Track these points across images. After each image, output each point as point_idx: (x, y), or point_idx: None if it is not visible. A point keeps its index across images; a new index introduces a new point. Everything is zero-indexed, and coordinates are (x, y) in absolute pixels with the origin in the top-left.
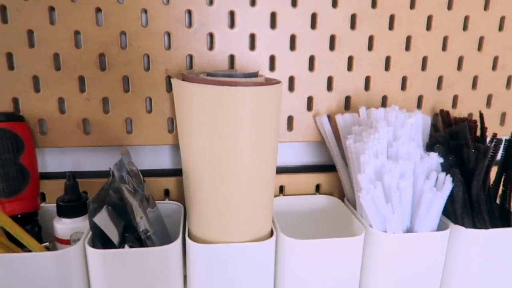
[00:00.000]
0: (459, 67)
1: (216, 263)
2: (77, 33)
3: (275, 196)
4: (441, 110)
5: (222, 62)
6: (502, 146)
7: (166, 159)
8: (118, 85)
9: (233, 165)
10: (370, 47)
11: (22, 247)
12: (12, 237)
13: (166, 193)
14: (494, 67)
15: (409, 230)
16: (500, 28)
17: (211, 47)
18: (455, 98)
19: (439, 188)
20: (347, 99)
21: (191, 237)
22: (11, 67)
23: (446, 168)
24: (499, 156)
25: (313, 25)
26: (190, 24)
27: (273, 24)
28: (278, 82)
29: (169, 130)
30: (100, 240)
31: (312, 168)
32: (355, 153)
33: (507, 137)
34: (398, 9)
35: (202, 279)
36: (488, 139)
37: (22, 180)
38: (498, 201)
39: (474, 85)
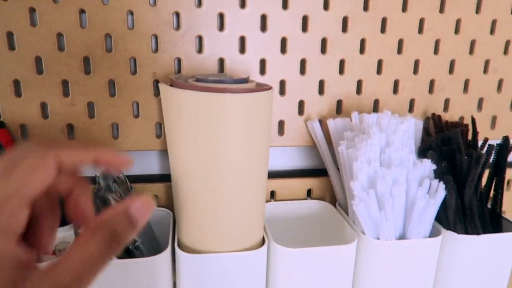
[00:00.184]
0: (451, 70)
1: (206, 273)
2: (60, 35)
3: (266, 201)
4: (433, 114)
5: (211, 66)
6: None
7: (154, 164)
8: (103, 89)
9: (224, 172)
10: (362, 50)
11: None
12: None
13: (155, 199)
14: (485, 71)
15: (402, 237)
16: (492, 31)
17: (200, 50)
18: (447, 101)
19: (432, 195)
20: (339, 103)
21: (181, 246)
22: None
23: (439, 174)
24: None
25: (305, 28)
26: (178, 27)
27: (263, 27)
28: (269, 88)
29: (157, 135)
30: None
31: (304, 172)
32: (348, 159)
33: (498, 141)
34: (390, 12)
35: None
36: (479, 143)
37: None
38: (489, 205)
39: (465, 89)
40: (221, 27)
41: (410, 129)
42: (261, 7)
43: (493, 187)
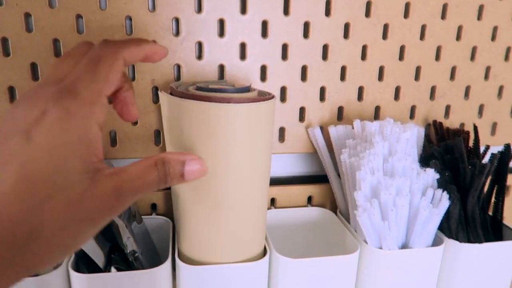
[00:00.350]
0: (452, 77)
1: (208, 284)
2: (56, 41)
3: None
4: (434, 121)
5: (211, 72)
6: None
7: None
8: None
9: (226, 182)
10: (363, 57)
11: None
12: None
13: (153, 207)
14: (486, 77)
15: (404, 246)
16: (493, 38)
17: (199, 57)
18: (448, 108)
19: (436, 204)
20: (340, 109)
21: (181, 256)
22: None
23: (442, 183)
24: None
25: (306, 34)
26: (177, 33)
27: (264, 33)
28: (272, 97)
29: (155, 143)
30: (84, 263)
31: (304, 179)
32: (350, 168)
33: (499, 148)
34: (392, 18)
35: None
36: (481, 149)
37: None
38: (490, 212)
39: (466, 95)
40: (221, 33)
41: (413, 138)
42: (262, 13)
43: (494, 194)
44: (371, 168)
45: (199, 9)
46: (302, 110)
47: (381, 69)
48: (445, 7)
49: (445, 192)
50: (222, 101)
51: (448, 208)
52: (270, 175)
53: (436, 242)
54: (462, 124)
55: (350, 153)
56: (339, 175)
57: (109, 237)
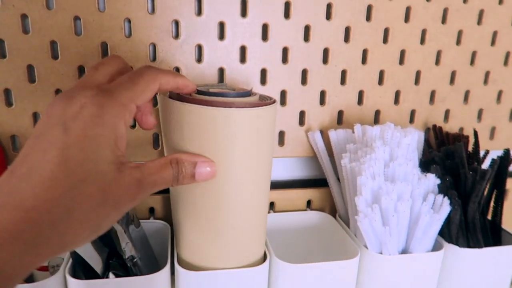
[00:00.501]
0: (452, 81)
1: None
2: (53, 43)
3: None
4: (434, 126)
5: (211, 75)
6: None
7: None
8: None
9: (226, 187)
10: (363, 61)
11: None
12: None
13: (151, 211)
14: (485, 82)
15: (404, 251)
16: (492, 42)
17: (199, 60)
18: (447, 112)
19: (436, 210)
20: (340, 113)
21: (180, 262)
22: None
23: (443, 189)
24: None
25: (306, 37)
26: (177, 35)
27: (264, 36)
28: (273, 101)
29: (154, 146)
30: (82, 269)
31: (303, 183)
32: (351, 173)
33: (498, 151)
34: (392, 22)
35: None
36: (481, 153)
37: None
38: (489, 217)
39: (465, 99)
40: (221, 36)
41: (414, 143)
42: (262, 16)
43: (493, 199)
44: (372, 173)
45: (199, 12)
46: (302, 114)
47: (381, 73)
48: (445, 11)
49: (446, 198)
50: (224, 106)
51: (449, 213)
52: (270, 180)
53: (436, 247)
54: (461, 129)
55: (351, 158)
56: (338, 179)
57: (107, 242)
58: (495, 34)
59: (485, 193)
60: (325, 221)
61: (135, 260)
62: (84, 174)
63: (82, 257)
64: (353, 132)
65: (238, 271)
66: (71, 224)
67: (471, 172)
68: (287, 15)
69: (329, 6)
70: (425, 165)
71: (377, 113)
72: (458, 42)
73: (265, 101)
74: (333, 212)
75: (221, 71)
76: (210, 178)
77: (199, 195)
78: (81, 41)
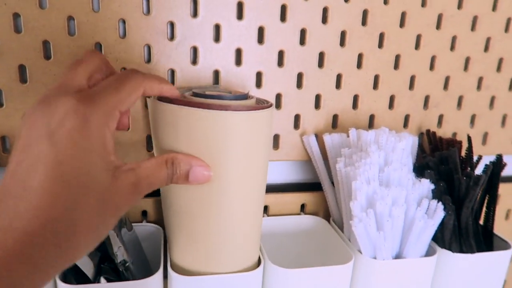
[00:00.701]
0: (445, 86)
1: None
2: (46, 43)
3: None
4: (428, 131)
5: (206, 78)
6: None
7: None
8: None
9: (220, 191)
10: (359, 65)
11: None
12: None
13: (144, 214)
14: (478, 87)
15: (398, 256)
16: (486, 49)
17: (194, 62)
18: (441, 117)
19: (431, 215)
20: (335, 117)
21: (173, 266)
22: None
23: (437, 194)
24: None
25: (302, 41)
26: (172, 37)
27: (260, 39)
28: (270, 105)
29: (148, 148)
30: (73, 273)
31: (297, 187)
32: (346, 177)
33: (490, 157)
34: (388, 27)
35: None
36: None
37: None
38: (481, 221)
39: (459, 105)
40: (217, 39)
41: (408, 147)
42: (258, 19)
43: (485, 204)
44: (367, 178)
45: (195, 14)
46: (297, 118)
47: (376, 78)
48: (440, 17)
49: (440, 203)
50: (220, 109)
51: (443, 218)
52: (266, 184)
53: (429, 252)
54: (455, 134)
55: (346, 162)
56: (333, 183)
57: (99, 246)
58: (488, 40)
59: (478, 198)
60: (319, 225)
61: (127, 264)
62: (81, 187)
63: None
64: (348, 136)
65: (232, 276)
66: (76, 239)
67: (465, 178)
68: (283, 18)
69: (325, 10)
70: (419, 170)
71: (372, 117)
72: (452, 47)
73: (262, 104)
74: (327, 216)
75: (216, 73)
76: (204, 182)
77: (193, 198)
78: (75, 41)
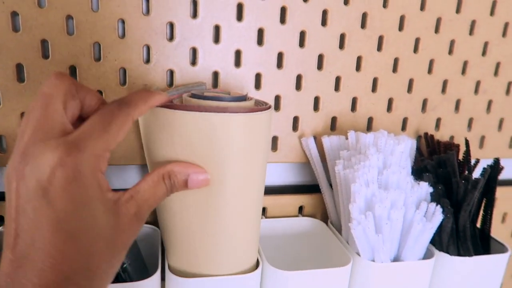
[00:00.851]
0: (443, 90)
1: None
2: (44, 42)
3: None
4: (425, 134)
5: (205, 79)
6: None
7: (137, 179)
8: None
9: (218, 193)
10: (358, 68)
11: None
12: None
13: None
14: (476, 91)
15: (396, 258)
16: (484, 53)
17: (193, 63)
18: (438, 120)
19: (429, 218)
20: (333, 120)
21: (171, 268)
22: None
23: (435, 197)
24: None
25: (302, 43)
26: (171, 37)
27: (260, 41)
28: (269, 107)
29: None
30: None
31: (295, 189)
32: (344, 180)
33: (488, 160)
34: (387, 30)
35: None
36: (471, 162)
37: None
38: (478, 224)
39: (456, 108)
40: (217, 40)
41: (407, 150)
42: (258, 20)
43: (482, 208)
44: (366, 181)
45: (195, 15)
46: (295, 120)
47: (374, 81)
48: (438, 21)
49: (438, 206)
50: (218, 111)
51: (441, 222)
52: (264, 187)
53: (427, 255)
54: (452, 137)
55: (345, 165)
56: (331, 185)
57: None
58: (486, 44)
59: (475, 202)
60: (317, 228)
61: (124, 266)
62: (88, 237)
63: None
64: (347, 138)
65: (230, 278)
66: (96, 283)
67: (463, 181)
68: (283, 20)
69: (324, 13)
70: (417, 173)
71: (370, 120)
72: (450, 51)
73: (260, 106)
74: (325, 218)
75: (216, 74)
76: (203, 186)
77: (191, 201)
78: (73, 41)
